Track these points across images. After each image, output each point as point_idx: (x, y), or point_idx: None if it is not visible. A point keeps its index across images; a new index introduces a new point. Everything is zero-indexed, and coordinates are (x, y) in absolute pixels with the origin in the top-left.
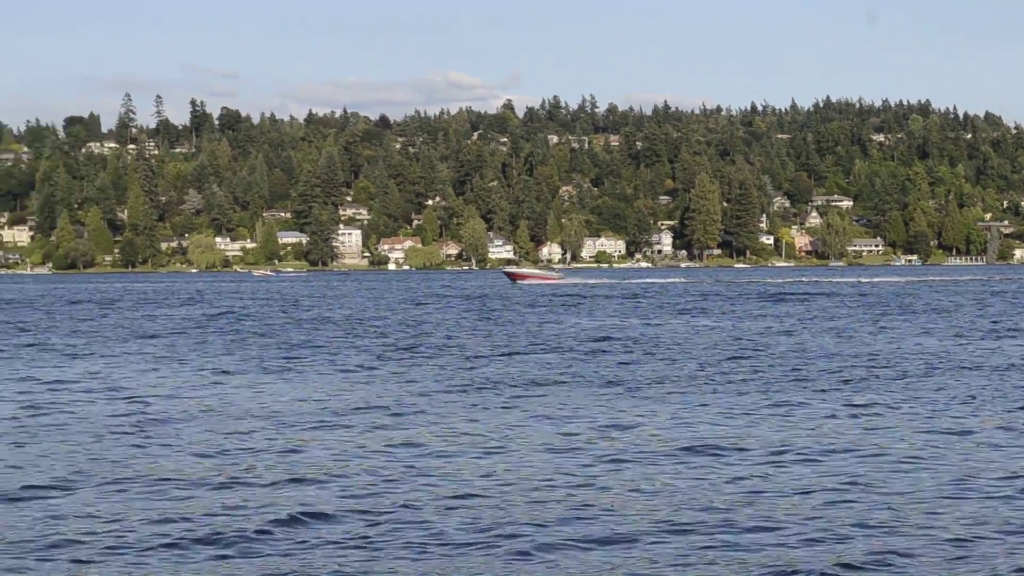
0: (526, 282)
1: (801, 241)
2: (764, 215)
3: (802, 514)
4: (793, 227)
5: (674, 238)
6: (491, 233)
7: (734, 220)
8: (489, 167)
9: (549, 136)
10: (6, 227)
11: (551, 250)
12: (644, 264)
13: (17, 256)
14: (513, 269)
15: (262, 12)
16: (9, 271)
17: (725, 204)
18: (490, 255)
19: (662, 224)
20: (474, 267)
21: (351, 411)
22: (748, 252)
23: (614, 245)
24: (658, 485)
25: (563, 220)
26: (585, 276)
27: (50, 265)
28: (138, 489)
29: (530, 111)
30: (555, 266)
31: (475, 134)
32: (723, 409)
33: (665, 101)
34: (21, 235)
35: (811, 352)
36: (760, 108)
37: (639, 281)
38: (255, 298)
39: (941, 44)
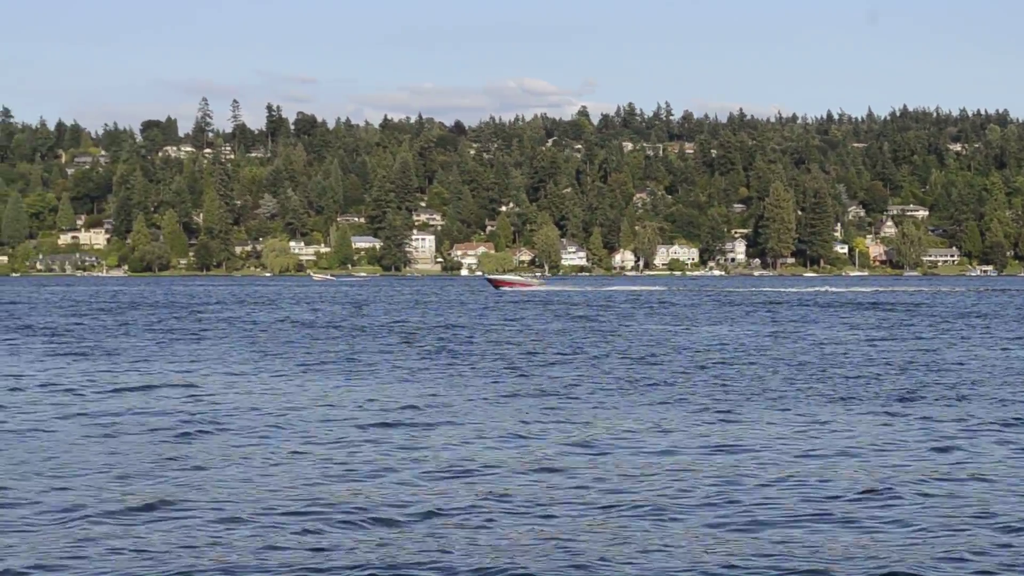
0: (508, 288)
1: (876, 251)
2: (839, 224)
3: None
4: (868, 236)
5: (748, 246)
6: (564, 240)
7: (808, 229)
8: (563, 173)
9: (624, 143)
10: (83, 230)
11: (624, 257)
12: (717, 272)
13: (93, 258)
14: (495, 276)
15: (339, 19)
16: (85, 273)
17: (799, 213)
18: (563, 262)
19: (736, 232)
20: (547, 273)
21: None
22: (822, 261)
23: (687, 253)
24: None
25: (636, 227)
26: (563, 283)
27: (126, 268)
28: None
29: (605, 118)
30: (535, 274)
31: (549, 140)
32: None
33: (740, 109)
34: (98, 238)
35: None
36: (836, 116)
37: (618, 289)
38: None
39: (1020, 54)
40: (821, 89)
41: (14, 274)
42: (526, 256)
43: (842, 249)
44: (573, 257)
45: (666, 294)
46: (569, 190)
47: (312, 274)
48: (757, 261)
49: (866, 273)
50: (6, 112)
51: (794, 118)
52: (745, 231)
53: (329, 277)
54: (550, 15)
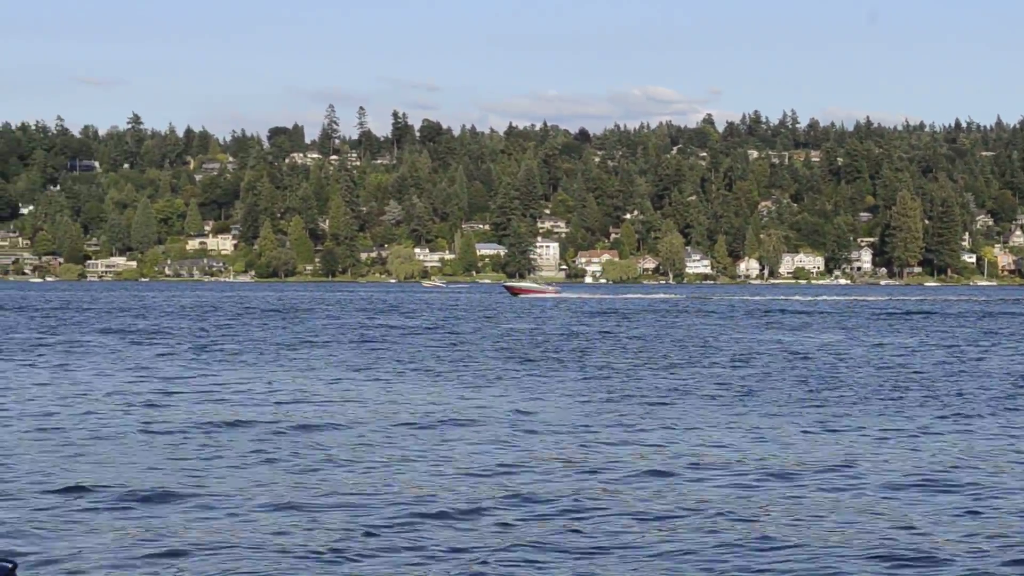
0: (526, 296)
1: (1004, 260)
2: (967, 233)
3: None
4: (996, 246)
5: (874, 255)
6: (689, 247)
7: (936, 238)
8: (688, 181)
9: (749, 151)
10: (211, 235)
11: (749, 265)
12: (843, 281)
13: (221, 264)
14: (513, 284)
15: (464, 26)
16: (212, 279)
17: (927, 221)
18: (687, 269)
19: (862, 241)
20: (671, 281)
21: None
22: (949, 271)
23: (812, 261)
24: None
25: (761, 236)
26: (579, 291)
27: (252, 273)
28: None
29: (730, 126)
30: (551, 283)
31: (674, 148)
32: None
33: (867, 117)
34: (225, 243)
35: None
36: (964, 125)
37: (630, 297)
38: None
39: None
40: (949, 97)
41: (143, 279)
42: (650, 264)
43: (970, 258)
44: (697, 265)
45: (682, 302)
46: (694, 198)
47: (422, 281)
48: (883, 270)
49: (994, 283)
50: (136, 119)
51: (921, 126)
52: (871, 240)
53: (439, 284)
54: (675, 23)
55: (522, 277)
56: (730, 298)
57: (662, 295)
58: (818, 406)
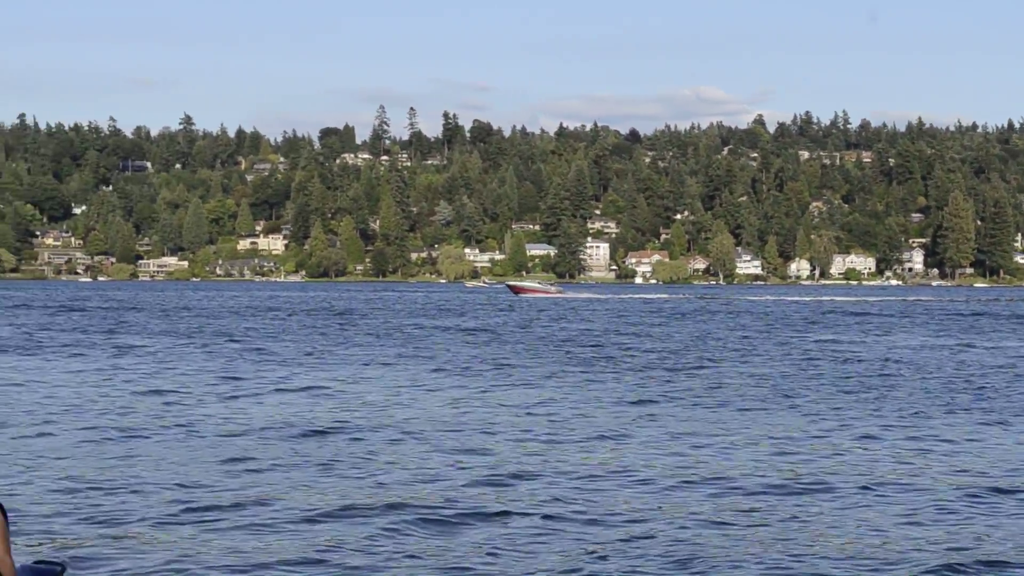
0: (528, 295)
1: None
2: (1020, 234)
3: None
4: None
5: (926, 256)
6: (739, 248)
7: (988, 239)
8: (739, 182)
9: (800, 152)
10: (262, 235)
11: (799, 266)
12: (894, 282)
13: (272, 264)
14: (515, 283)
15: (514, 27)
16: (263, 279)
17: (979, 222)
18: (738, 270)
19: (913, 242)
20: (721, 282)
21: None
22: (1002, 272)
23: (864, 262)
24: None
25: (812, 236)
26: (578, 291)
27: (303, 273)
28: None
29: (781, 126)
30: (552, 282)
31: (725, 149)
32: None
33: (919, 117)
34: (276, 243)
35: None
36: (1017, 125)
37: (630, 296)
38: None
39: None
40: (1002, 98)
41: (194, 279)
42: (700, 264)
43: (1023, 260)
44: (748, 266)
45: (683, 302)
46: (744, 199)
47: (465, 282)
48: (935, 271)
49: None
50: (188, 120)
51: (974, 127)
52: (923, 241)
53: (483, 283)
54: (726, 24)
55: (572, 277)
56: (738, 299)
57: (664, 295)
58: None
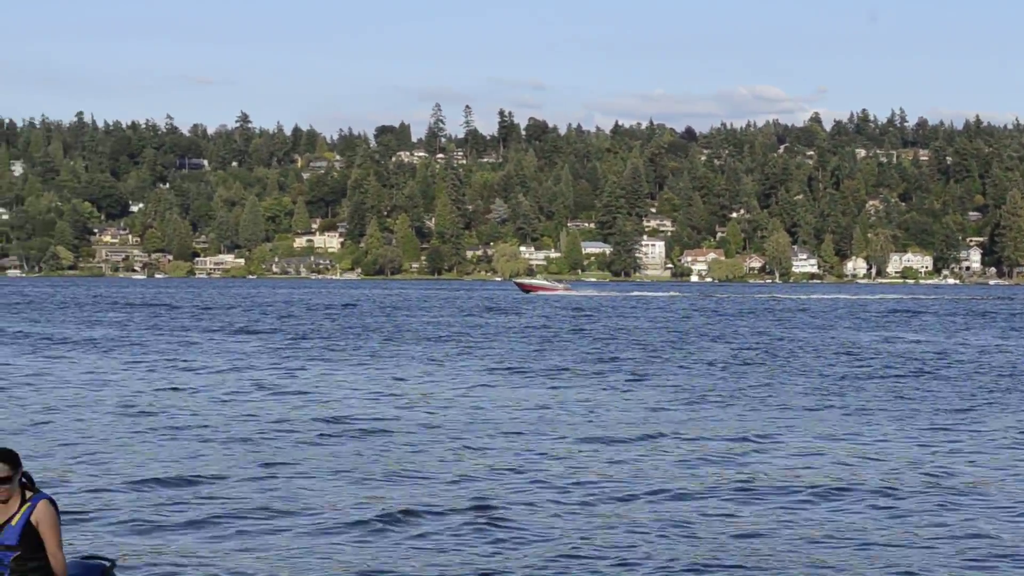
0: (536, 293)
1: None
2: None
3: None
4: None
5: (983, 255)
6: (795, 247)
7: None
8: (795, 180)
9: (856, 150)
10: (318, 233)
11: (856, 265)
12: (951, 280)
13: (327, 261)
14: (524, 280)
15: (569, 26)
16: (319, 276)
17: None
18: (794, 269)
19: (971, 240)
20: (777, 280)
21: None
22: None
23: (921, 261)
24: None
25: (869, 235)
26: (587, 288)
27: (359, 271)
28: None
29: (837, 124)
30: (560, 279)
31: (781, 147)
32: None
33: (977, 116)
34: (332, 241)
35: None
36: None
37: (639, 294)
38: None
39: None
40: None
41: (250, 276)
42: (756, 263)
43: None
44: (804, 264)
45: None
46: (801, 197)
47: (513, 280)
48: (992, 270)
49: None
50: (244, 117)
51: None
52: (981, 239)
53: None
54: (782, 22)
55: (628, 275)
56: (740, 296)
57: (674, 292)
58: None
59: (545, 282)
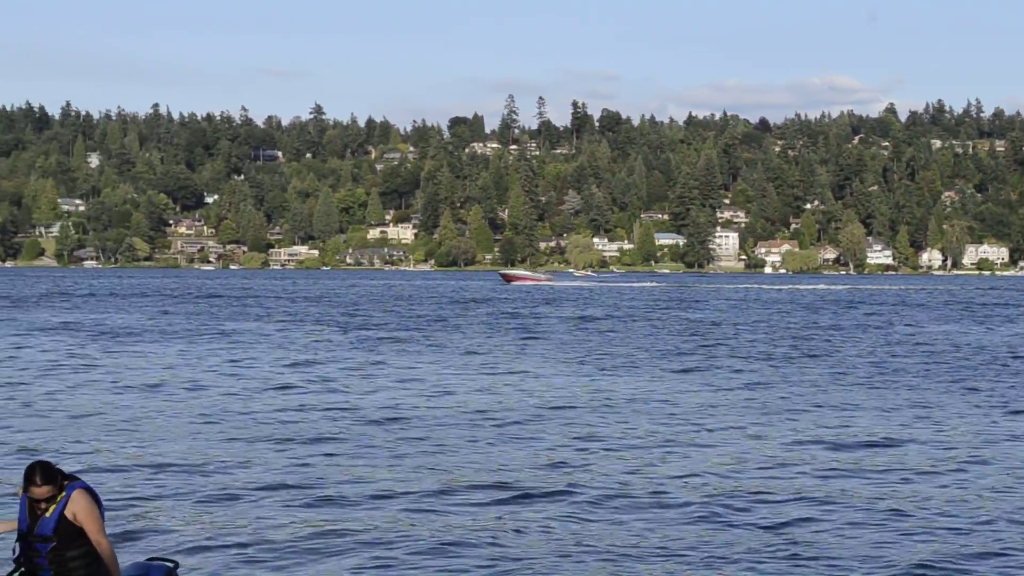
0: (518, 283)
1: None
2: None
3: None
4: None
5: None
6: (870, 238)
7: None
8: (869, 171)
9: (932, 140)
10: (391, 224)
11: (931, 256)
12: None
13: (401, 253)
14: (507, 271)
15: (642, 16)
16: (393, 268)
17: None
18: (868, 260)
19: None
20: (852, 272)
21: None
22: None
23: (997, 252)
24: None
25: (944, 226)
26: (568, 280)
27: (432, 262)
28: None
29: (913, 115)
30: (544, 272)
31: (856, 138)
32: None
33: None
34: (405, 232)
35: None
36: None
37: (622, 285)
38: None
39: None
40: None
41: (324, 267)
42: (831, 254)
43: None
44: (879, 256)
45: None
46: (875, 188)
47: (573, 271)
48: None
49: None
50: (318, 109)
51: None
52: None
53: (590, 273)
54: (857, 11)
55: (701, 267)
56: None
57: (650, 283)
58: None
59: (528, 273)
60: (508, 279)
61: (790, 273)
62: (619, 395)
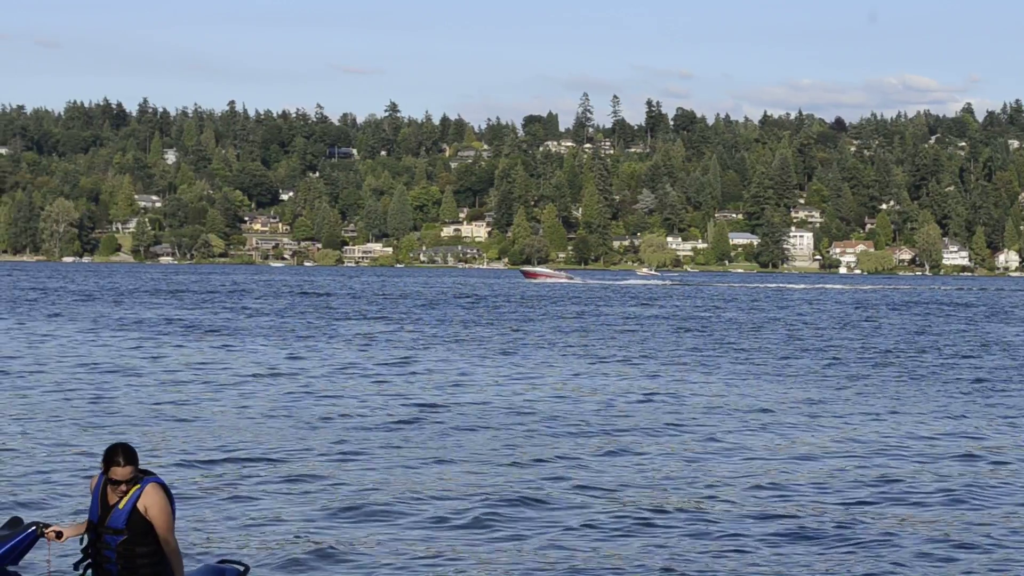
0: (537, 280)
1: None
2: None
3: None
4: None
5: None
6: (946, 239)
7: None
8: (946, 171)
9: (1009, 140)
10: (465, 222)
11: (1008, 257)
12: None
13: (475, 251)
14: (528, 268)
15: (716, 14)
16: (467, 266)
17: None
18: (944, 261)
19: None
20: (927, 272)
21: None
22: None
23: None
24: None
25: (1022, 227)
26: (588, 278)
27: (506, 260)
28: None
29: (990, 115)
30: (564, 270)
31: (932, 138)
32: None
33: None
34: (479, 231)
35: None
36: None
37: (631, 283)
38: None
39: None
40: None
41: (398, 265)
42: (906, 255)
43: None
44: (955, 256)
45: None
46: (952, 188)
47: (636, 270)
48: None
49: None
50: (393, 107)
51: None
52: None
53: (653, 272)
54: (934, 9)
55: (775, 267)
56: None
57: (656, 282)
58: None
59: (548, 271)
60: (528, 276)
61: (865, 273)
62: (736, 401)
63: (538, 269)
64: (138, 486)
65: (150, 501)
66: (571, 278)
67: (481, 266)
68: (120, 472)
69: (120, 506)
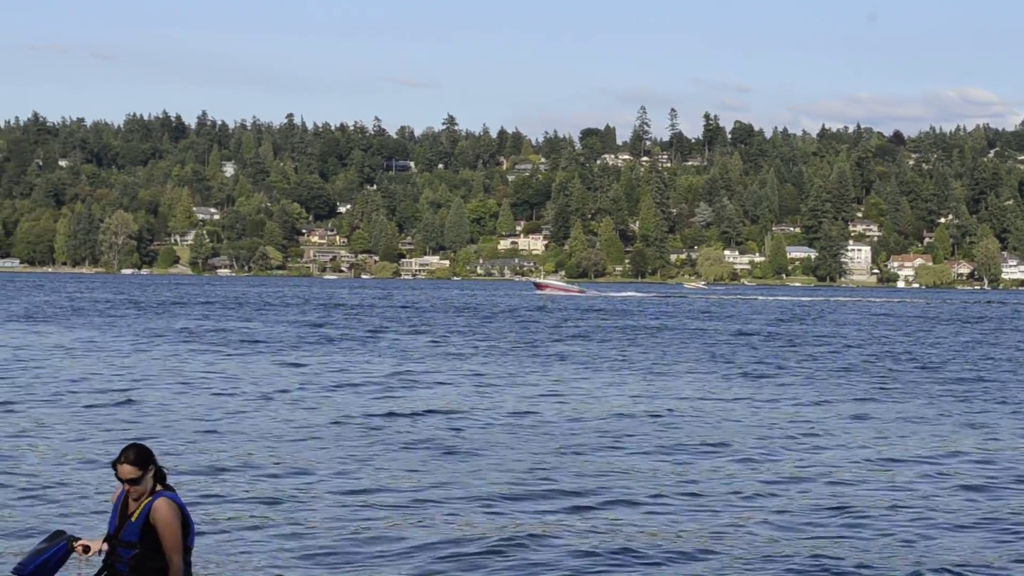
0: (547, 292)
1: None
2: None
3: None
4: None
5: None
6: (1005, 253)
7: None
8: (1005, 185)
9: None
10: (522, 235)
11: None
12: None
13: (532, 264)
14: (539, 280)
15: (775, 27)
16: (523, 278)
17: None
18: (1003, 275)
19: None
20: (987, 287)
21: None
22: None
23: None
24: None
25: None
26: (600, 290)
27: (562, 273)
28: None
29: None
30: (575, 283)
31: (991, 151)
32: None
33: None
34: (536, 244)
35: None
36: None
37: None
38: None
39: None
40: None
41: (455, 277)
42: (964, 269)
43: None
44: (1014, 271)
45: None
46: (1011, 202)
47: (684, 283)
48: None
49: None
50: (451, 120)
51: None
52: None
53: (701, 285)
54: (993, 22)
55: (833, 280)
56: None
57: (630, 293)
58: None
59: (558, 283)
60: (539, 287)
61: (923, 287)
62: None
63: (548, 281)
64: (150, 498)
65: (157, 515)
66: (582, 291)
67: (538, 279)
68: (124, 471)
69: (133, 519)
